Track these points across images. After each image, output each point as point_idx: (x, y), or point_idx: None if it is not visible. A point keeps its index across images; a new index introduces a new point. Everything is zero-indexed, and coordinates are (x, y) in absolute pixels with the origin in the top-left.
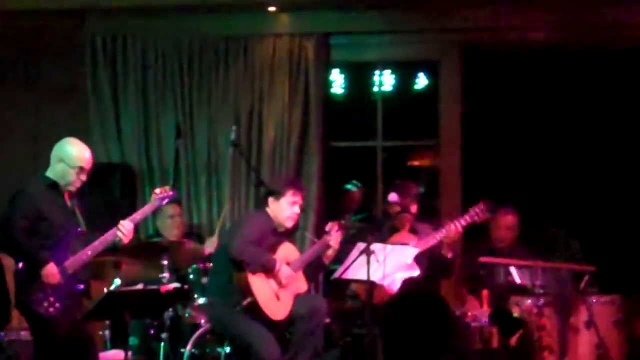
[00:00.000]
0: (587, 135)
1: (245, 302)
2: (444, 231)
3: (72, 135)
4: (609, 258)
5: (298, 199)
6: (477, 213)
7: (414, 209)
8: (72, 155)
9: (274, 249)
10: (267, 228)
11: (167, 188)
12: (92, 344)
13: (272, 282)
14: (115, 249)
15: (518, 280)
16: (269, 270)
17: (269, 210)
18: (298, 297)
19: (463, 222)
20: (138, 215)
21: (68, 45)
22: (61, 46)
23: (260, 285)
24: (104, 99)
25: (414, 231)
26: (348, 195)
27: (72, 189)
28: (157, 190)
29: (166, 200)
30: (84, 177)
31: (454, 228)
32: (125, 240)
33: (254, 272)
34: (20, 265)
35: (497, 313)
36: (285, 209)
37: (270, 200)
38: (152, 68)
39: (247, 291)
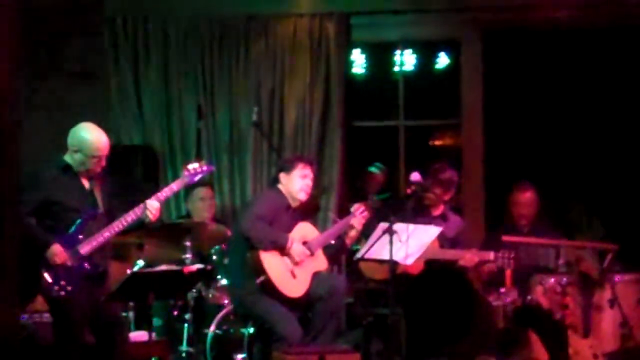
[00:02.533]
0: (610, 112)
1: (258, 281)
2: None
3: (93, 116)
4: (632, 236)
5: (308, 171)
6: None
7: (447, 196)
8: (89, 144)
9: (289, 227)
10: (280, 204)
11: (202, 163)
12: (121, 325)
13: (287, 260)
14: (141, 226)
15: None
16: (281, 248)
17: (280, 186)
18: (317, 276)
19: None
20: (164, 193)
21: (88, 26)
22: (81, 27)
23: (273, 263)
24: (125, 80)
25: (444, 217)
26: (371, 177)
27: (93, 174)
28: (190, 166)
29: (198, 176)
30: (102, 163)
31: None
32: (153, 219)
33: (265, 250)
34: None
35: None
36: (296, 181)
37: (281, 175)
38: (172, 48)
39: (260, 269)
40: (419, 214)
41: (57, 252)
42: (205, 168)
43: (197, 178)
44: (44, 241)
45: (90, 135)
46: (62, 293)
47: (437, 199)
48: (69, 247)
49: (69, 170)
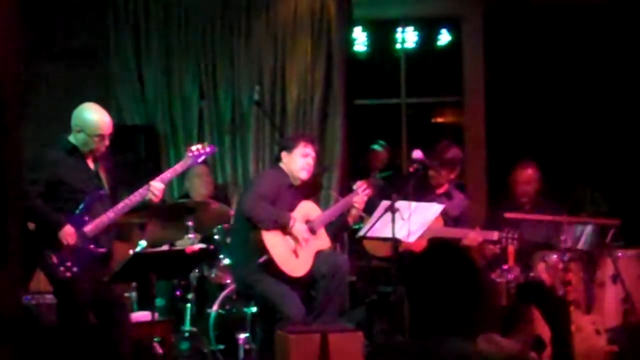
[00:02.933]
0: (610, 90)
1: (261, 260)
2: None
3: (95, 96)
4: (635, 211)
5: (310, 150)
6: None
7: (452, 175)
8: (91, 124)
9: (291, 205)
10: (282, 183)
11: (205, 144)
12: (122, 306)
13: (289, 239)
14: (145, 206)
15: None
16: (283, 227)
17: (282, 165)
18: (319, 255)
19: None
20: (168, 174)
21: (90, 7)
22: (83, 9)
23: (275, 242)
24: (126, 61)
25: (448, 195)
26: (374, 155)
27: (97, 154)
28: (193, 147)
29: (202, 158)
30: (106, 142)
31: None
32: (156, 200)
33: (268, 229)
34: (32, 229)
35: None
36: (297, 160)
37: (283, 154)
38: (174, 28)
39: (262, 248)
40: (423, 192)
41: (70, 233)
42: (208, 149)
43: (200, 159)
44: (56, 221)
45: (93, 115)
46: (68, 274)
47: (441, 178)
48: (76, 228)
49: (75, 151)
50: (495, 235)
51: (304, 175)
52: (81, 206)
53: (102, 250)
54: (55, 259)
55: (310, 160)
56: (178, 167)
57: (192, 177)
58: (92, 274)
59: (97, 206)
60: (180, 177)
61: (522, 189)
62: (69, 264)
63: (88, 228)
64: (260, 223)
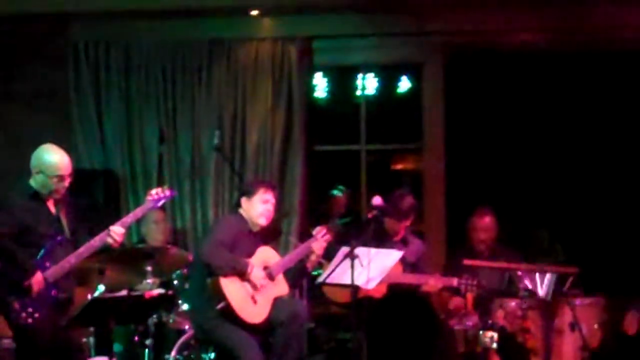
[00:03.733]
0: (569, 137)
1: (218, 306)
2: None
3: (54, 140)
4: (592, 260)
5: (270, 196)
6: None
7: (408, 222)
8: (50, 165)
9: (250, 251)
10: (240, 229)
11: (164, 188)
12: (81, 351)
13: (247, 285)
14: (104, 250)
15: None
16: (241, 274)
17: (241, 211)
18: (277, 302)
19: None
20: (129, 219)
21: (50, 49)
22: (43, 51)
23: (233, 289)
24: (86, 104)
25: (405, 242)
26: (334, 200)
27: (57, 196)
28: (153, 191)
29: (162, 202)
30: (65, 184)
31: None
32: (116, 245)
33: (225, 276)
34: None
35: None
36: (257, 206)
37: (243, 200)
38: (134, 72)
39: (220, 295)
40: (380, 239)
41: (39, 280)
42: (167, 193)
43: (160, 203)
44: (31, 268)
45: (51, 156)
46: (30, 320)
47: (397, 225)
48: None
49: (37, 196)
50: (454, 281)
51: (263, 221)
52: (42, 251)
53: (63, 295)
54: (17, 305)
55: (269, 207)
56: (138, 212)
57: (148, 222)
58: (52, 319)
59: (58, 251)
60: (137, 222)
61: (479, 236)
62: (30, 309)
63: (49, 273)
64: (218, 269)
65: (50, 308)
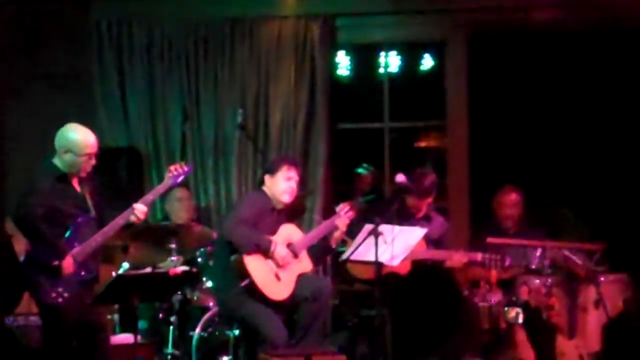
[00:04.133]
0: (596, 114)
1: (242, 284)
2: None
3: (78, 119)
4: (616, 236)
5: (293, 173)
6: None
7: (430, 199)
8: (78, 144)
9: (273, 229)
10: (264, 206)
11: (182, 164)
12: (103, 329)
13: (271, 263)
14: (127, 226)
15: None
16: (264, 251)
17: (265, 188)
18: (301, 278)
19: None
20: (150, 195)
21: (73, 30)
22: (66, 31)
23: (257, 266)
24: (110, 84)
25: (427, 219)
26: (359, 179)
27: (84, 174)
28: (172, 168)
29: (181, 178)
30: (93, 162)
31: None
32: (138, 221)
33: (249, 253)
34: (27, 254)
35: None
36: (280, 183)
37: (266, 177)
38: (157, 51)
39: (244, 272)
40: (402, 216)
41: (70, 264)
42: (186, 169)
43: (179, 179)
44: (62, 251)
45: (78, 135)
46: (60, 300)
47: (419, 203)
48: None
49: (64, 176)
50: (479, 256)
51: (286, 198)
52: (70, 231)
53: (91, 274)
54: (47, 285)
55: (293, 184)
56: (159, 189)
57: (172, 200)
58: (79, 298)
59: (85, 230)
60: (161, 200)
61: (506, 212)
62: (60, 289)
63: (77, 252)
64: (241, 247)
65: (78, 287)
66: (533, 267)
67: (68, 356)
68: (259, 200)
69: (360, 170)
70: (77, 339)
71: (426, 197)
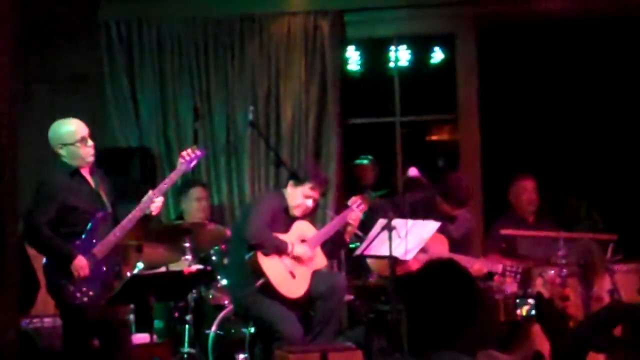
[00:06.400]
0: (607, 104)
1: (258, 283)
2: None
3: (89, 120)
4: (629, 226)
5: (315, 194)
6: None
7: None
8: (68, 134)
9: (286, 227)
10: (279, 207)
11: (194, 148)
12: (125, 324)
13: (286, 260)
14: (145, 218)
15: None
16: (282, 253)
17: (285, 190)
18: (316, 275)
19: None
20: (165, 185)
21: (82, 32)
22: (75, 31)
23: (271, 265)
24: (120, 84)
25: (451, 219)
26: (359, 169)
27: (90, 160)
28: (183, 153)
29: (194, 162)
30: (91, 145)
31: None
32: (156, 212)
33: (267, 255)
34: (45, 259)
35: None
36: (298, 197)
37: (290, 183)
38: (167, 50)
39: (259, 271)
40: (428, 214)
41: (82, 265)
42: (198, 153)
43: (192, 164)
44: (68, 254)
45: (63, 126)
46: (85, 299)
47: (451, 211)
48: (86, 253)
49: (76, 173)
50: (499, 267)
51: (297, 213)
52: (88, 228)
53: (114, 270)
54: (71, 287)
55: (310, 203)
56: (173, 176)
57: (190, 199)
58: (103, 295)
59: (103, 226)
60: (177, 198)
61: (524, 198)
62: (84, 289)
63: (97, 249)
64: (263, 250)
65: (103, 284)
66: (558, 260)
67: (90, 357)
68: (275, 200)
69: (359, 161)
70: (99, 338)
71: (462, 206)
